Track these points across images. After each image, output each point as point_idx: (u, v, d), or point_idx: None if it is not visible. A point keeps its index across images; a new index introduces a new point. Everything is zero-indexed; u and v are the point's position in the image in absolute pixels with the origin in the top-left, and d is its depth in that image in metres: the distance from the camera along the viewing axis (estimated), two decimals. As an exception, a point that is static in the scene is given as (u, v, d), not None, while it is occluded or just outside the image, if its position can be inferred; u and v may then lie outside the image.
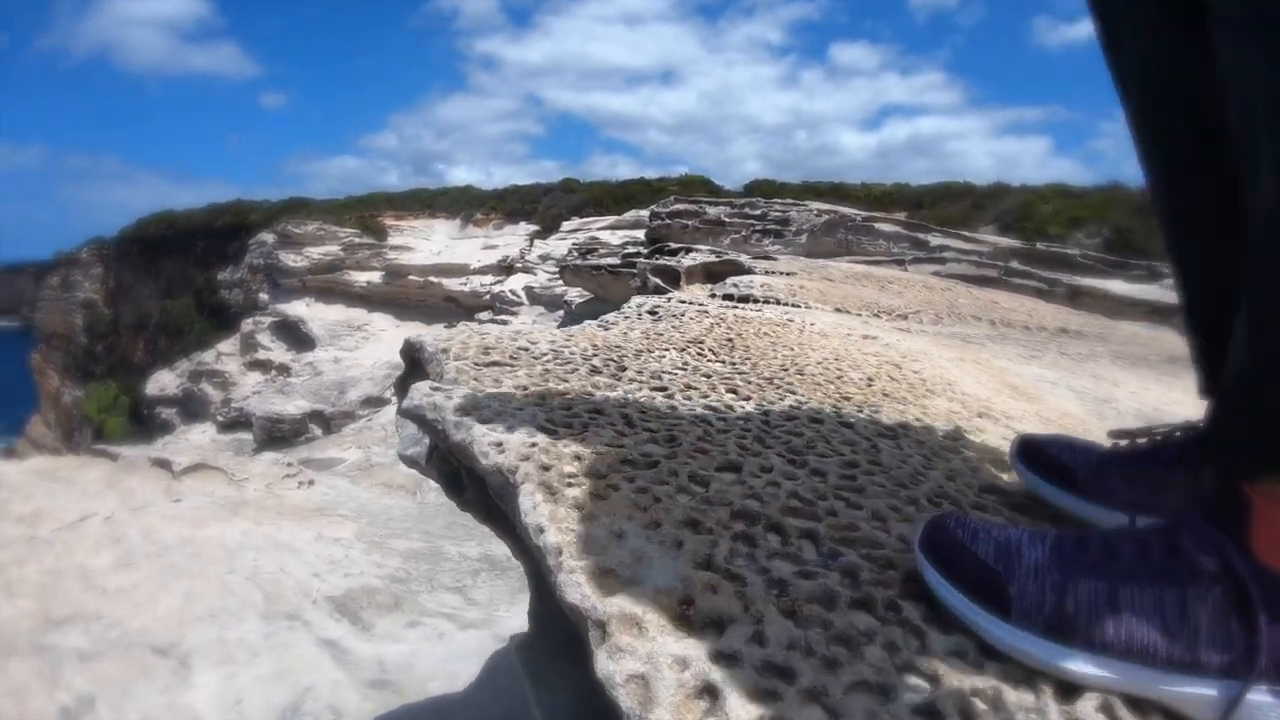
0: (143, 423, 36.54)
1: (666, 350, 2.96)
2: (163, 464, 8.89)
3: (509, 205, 35.36)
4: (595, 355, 2.65)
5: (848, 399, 2.46)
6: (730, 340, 3.39)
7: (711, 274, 9.22)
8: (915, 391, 2.76)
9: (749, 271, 8.64)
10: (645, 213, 26.63)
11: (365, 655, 5.46)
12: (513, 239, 31.76)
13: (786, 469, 1.69)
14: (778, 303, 6.80)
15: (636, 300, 4.32)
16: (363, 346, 28.29)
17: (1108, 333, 9.66)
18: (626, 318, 3.75)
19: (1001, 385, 3.53)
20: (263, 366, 31.96)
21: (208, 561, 6.27)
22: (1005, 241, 17.42)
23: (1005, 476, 1.85)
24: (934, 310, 7.83)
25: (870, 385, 2.73)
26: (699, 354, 3.00)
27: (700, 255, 9.87)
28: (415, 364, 2.67)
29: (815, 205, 21.52)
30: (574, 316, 21.73)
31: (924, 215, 21.89)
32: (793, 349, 3.29)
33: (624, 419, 1.90)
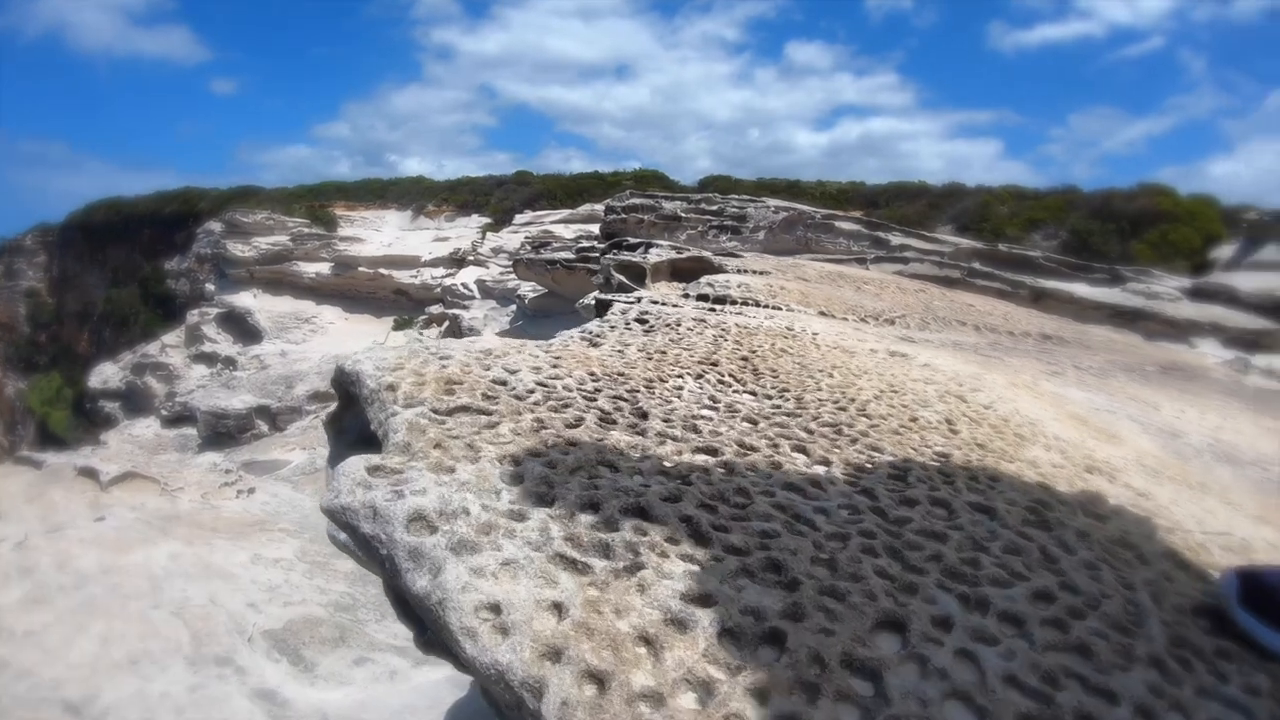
0: (87, 416, 35.16)
1: (681, 378, 2.31)
2: (89, 474, 8.06)
3: (461, 197, 34.39)
4: (598, 390, 2.00)
5: (945, 456, 1.85)
6: (746, 360, 2.74)
7: (677, 271, 8.57)
8: (1006, 438, 2.16)
9: (720, 270, 7.99)
10: (599, 206, 26.05)
11: (306, 706, 4.70)
12: (465, 231, 30.82)
13: (971, 620, 1.05)
14: (758, 305, 6.19)
15: (620, 306, 3.62)
16: (310, 339, 27.20)
17: (1083, 337, 9.24)
18: (614, 328, 3.06)
19: (1068, 417, 2.97)
20: (208, 359, 30.68)
21: (130, 595, 5.48)
22: (966, 242, 16.99)
23: (1199, 584, 1.40)
24: (916, 314, 7.27)
25: (955, 432, 2.12)
26: (720, 381, 2.36)
27: (665, 252, 9.18)
28: (349, 400, 1.99)
29: (772, 202, 21.06)
30: (527, 311, 21.06)
31: (880, 214, 21.44)
32: (831, 374, 2.66)
33: (686, 524, 1.23)
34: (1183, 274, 15.21)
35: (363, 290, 29.75)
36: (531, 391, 1.91)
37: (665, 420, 1.82)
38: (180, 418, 25.69)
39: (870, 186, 27.99)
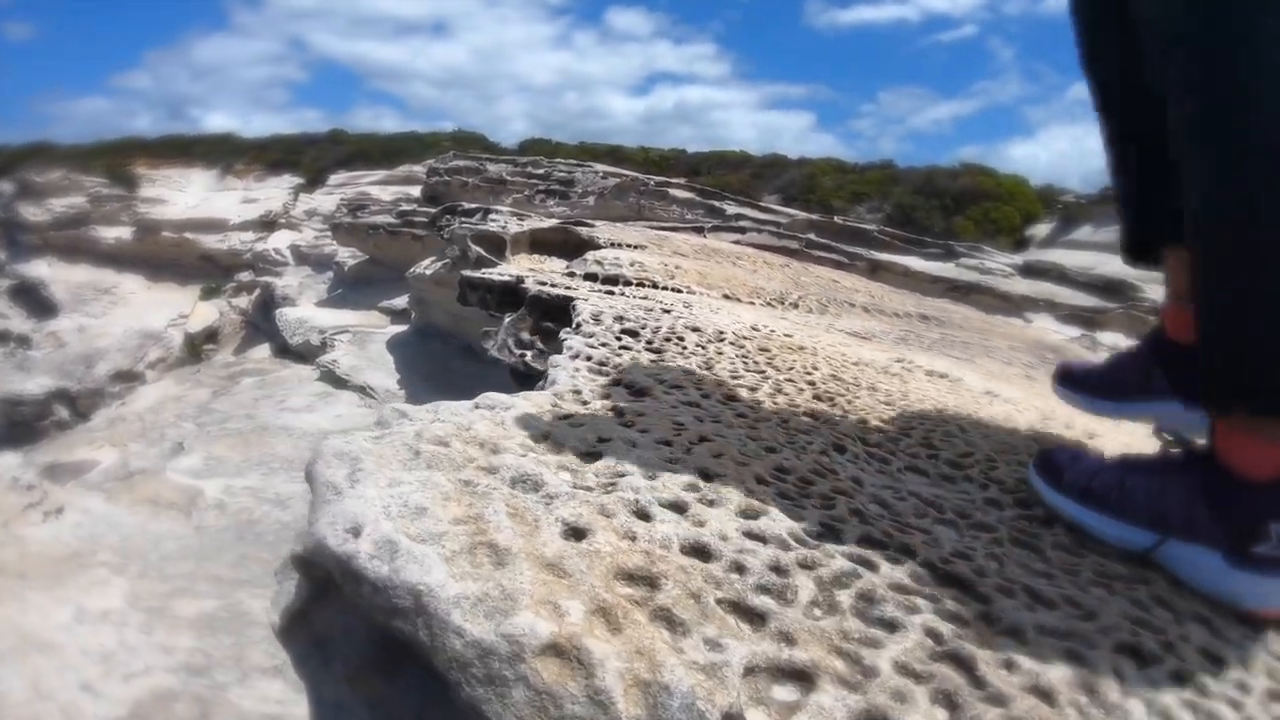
0: None
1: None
2: None
3: (271, 155, 31.31)
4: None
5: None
6: (830, 398, 1.95)
7: (538, 242, 7.68)
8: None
9: (592, 243, 7.16)
10: (418, 168, 24.81)
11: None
12: (275, 192, 28.29)
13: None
14: (655, 286, 5.41)
15: (589, 309, 2.72)
16: (111, 312, 24.33)
17: (949, 315, 8.91)
18: (618, 352, 2.18)
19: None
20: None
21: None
22: (802, 214, 16.77)
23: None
24: (811, 295, 6.64)
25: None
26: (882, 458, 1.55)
27: (529, 221, 8.26)
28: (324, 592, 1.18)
29: (600, 167, 20.39)
30: (346, 279, 19.57)
31: (703, 181, 20.99)
32: (963, 428, 1.90)
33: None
34: (1006, 250, 15.39)
35: (166, 256, 26.79)
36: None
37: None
38: (-38, 409, 22.74)
39: (692, 154, 27.60)
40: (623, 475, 1.27)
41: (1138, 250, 1.70)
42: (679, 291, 5.32)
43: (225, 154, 32.28)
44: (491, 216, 10.54)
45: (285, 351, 14.65)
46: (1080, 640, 1.07)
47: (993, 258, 14.53)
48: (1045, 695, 0.97)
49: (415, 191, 22.10)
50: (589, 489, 1.22)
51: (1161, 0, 1.17)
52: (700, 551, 1.11)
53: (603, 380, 1.82)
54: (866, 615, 1.05)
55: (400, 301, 15.18)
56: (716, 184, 20.92)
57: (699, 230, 15.13)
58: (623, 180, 18.40)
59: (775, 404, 1.86)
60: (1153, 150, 1.44)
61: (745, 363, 2.23)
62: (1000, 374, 4.15)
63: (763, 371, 2.16)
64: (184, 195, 28.64)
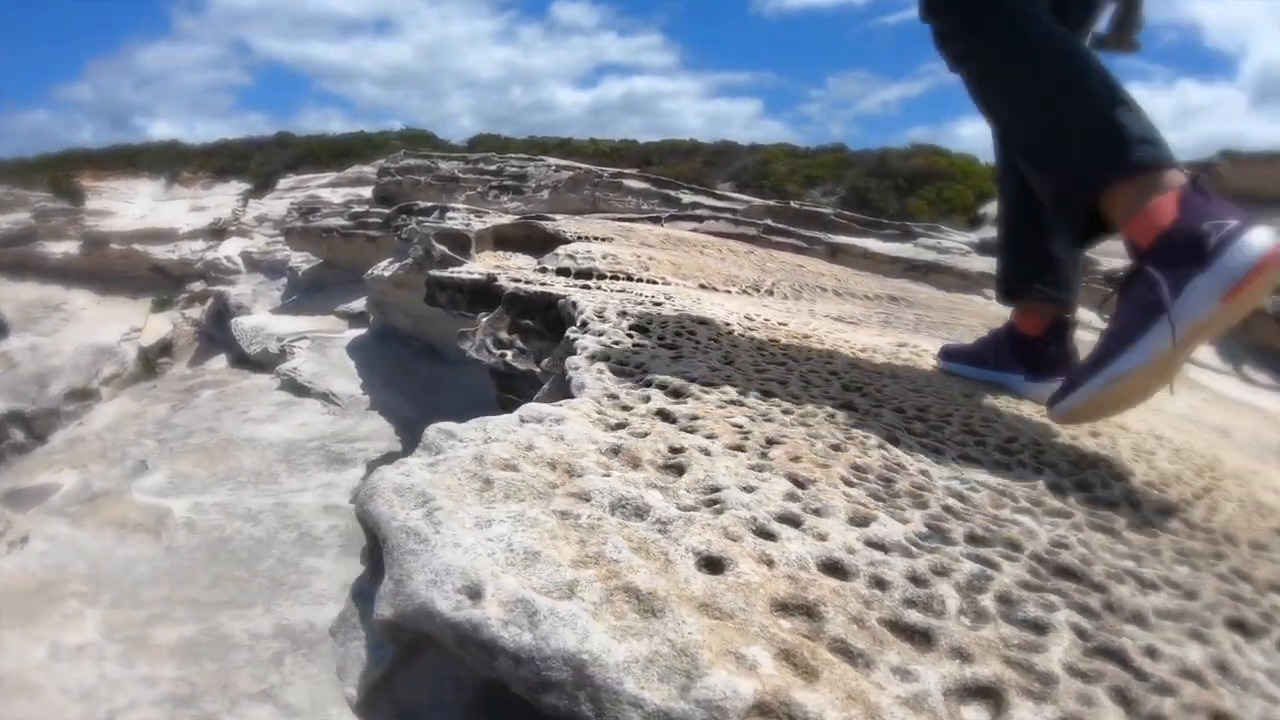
0: None
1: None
2: None
3: (219, 162, 30.61)
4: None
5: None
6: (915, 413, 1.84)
7: (501, 239, 7.51)
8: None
9: (559, 236, 7.01)
10: (368, 168, 24.43)
11: None
12: (224, 199, 27.61)
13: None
14: (629, 278, 5.30)
15: (591, 306, 2.55)
16: (62, 330, 23.58)
17: (913, 295, 8.88)
18: (634, 350, 2.04)
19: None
20: (-53, 361, 26.54)
21: None
22: (758, 200, 16.67)
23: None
24: (784, 281, 6.55)
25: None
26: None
27: (492, 218, 8.09)
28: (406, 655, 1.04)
29: (552, 160, 20.16)
30: (301, 284, 19.19)
31: (655, 171, 20.86)
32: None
33: None
34: (961, 228, 15.39)
35: (116, 270, 26.06)
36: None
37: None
38: (-87, 437, 21.97)
39: (644, 144, 27.41)
40: (719, 489, 1.15)
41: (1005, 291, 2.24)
42: (654, 283, 5.20)
43: (171, 162, 31.55)
44: (449, 215, 10.35)
45: (243, 361, 14.32)
46: (1196, 620, 1.07)
47: (950, 236, 14.51)
48: (1196, 678, 0.95)
49: (366, 192, 21.76)
50: (692, 508, 1.09)
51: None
52: (836, 569, 1.01)
53: (631, 382, 1.69)
54: (1013, 618, 0.99)
55: (358, 304, 14.90)
56: (669, 173, 20.79)
57: (656, 220, 14.98)
58: (576, 173, 18.21)
59: (812, 396, 1.75)
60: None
61: (763, 355, 2.11)
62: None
63: (784, 364, 2.05)
64: (131, 206, 27.96)
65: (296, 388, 11.13)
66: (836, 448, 1.41)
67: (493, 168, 19.81)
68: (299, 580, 5.96)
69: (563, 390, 2.02)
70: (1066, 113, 1.58)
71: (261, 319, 16.46)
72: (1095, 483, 1.50)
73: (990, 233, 15.18)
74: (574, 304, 2.53)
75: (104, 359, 21.31)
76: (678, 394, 1.61)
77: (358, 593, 1.03)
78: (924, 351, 2.69)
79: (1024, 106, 1.69)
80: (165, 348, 20.85)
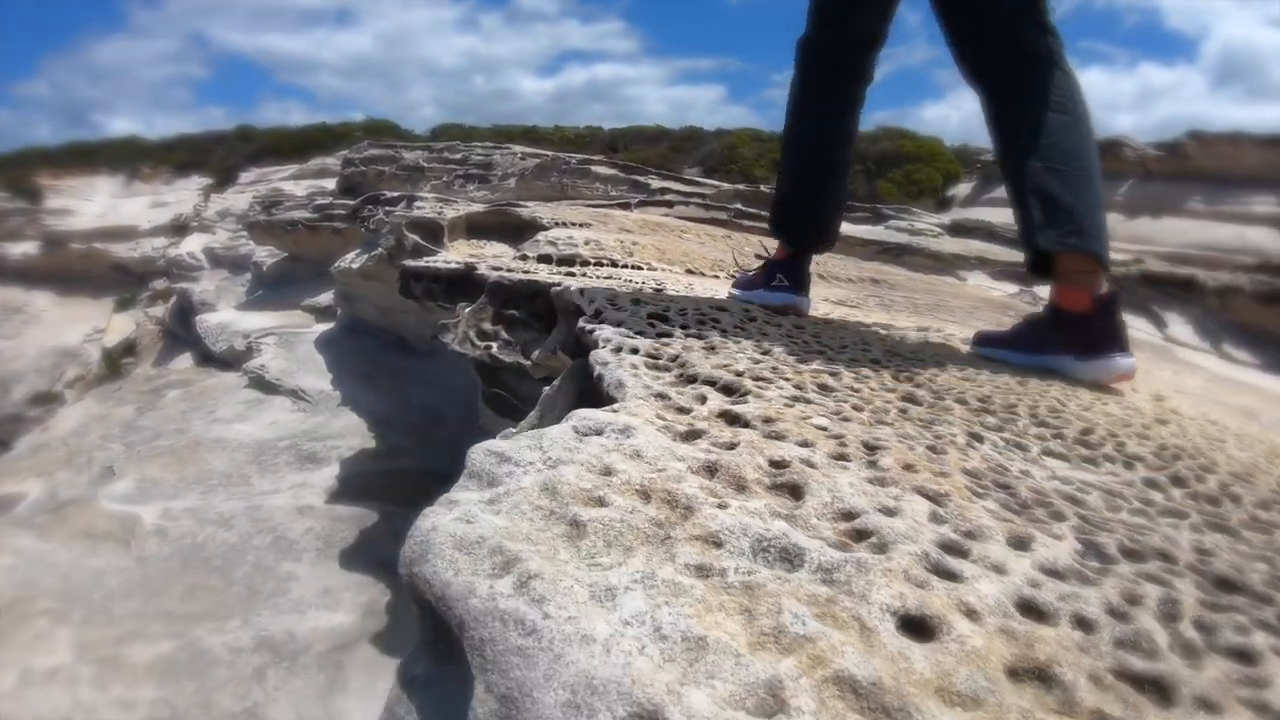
0: None
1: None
2: None
3: (179, 157, 29.89)
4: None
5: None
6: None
7: (474, 226, 7.26)
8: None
9: (535, 223, 6.76)
10: (331, 160, 24.12)
11: None
12: (185, 194, 26.96)
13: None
14: (614, 264, 5.08)
15: (602, 293, 2.29)
16: (23, 333, 22.82)
17: (888, 276, 8.76)
18: (661, 341, 1.81)
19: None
20: (-93, 370, 25.65)
21: None
22: (727, 185, 16.47)
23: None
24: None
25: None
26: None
27: (462, 206, 7.82)
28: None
29: (518, 148, 19.87)
30: (266, 279, 18.77)
31: (622, 157, 20.62)
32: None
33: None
34: (929, 210, 15.27)
35: (77, 269, 25.32)
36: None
37: None
38: None
39: (609, 130, 27.12)
40: (856, 515, 0.93)
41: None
42: (639, 269, 4.98)
43: (131, 158, 30.81)
44: (417, 204, 10.08)
45: (209, 359, 13.95)
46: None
47: (921, 219, 14.36)
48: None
49: (330, 184, 21.40)
50: (845, 546, 0.86)
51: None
52: (1034, 611, 0.81)
53: (671, 377, 1.46)
54: (1218, 648, 0.81)
55: (324, 298, 14.57)
56: (635, 159, 20.54)
57: (626, 206, 14.73)
58: (543, 160, 17.93)
59: (872, 390, 1.54)
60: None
61: (795, 344, 1.89)
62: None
63: (821, 352, 1.83)
64: (91, 204, 27.24)
65: (265, 385, 10.82)
66: (934, 450, 1.21)
67: (458, 156, 19.53)
68: (276, 587, 5.70)
69: (581, 388, 1.79)
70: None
71: (226, 316, 16.09)
72: (1188, 476, 1.36)
73: (964, 214, 15.09)
74: (581, 290, 2.29)
75: (67, 361, 20.77)
76: (731, 391, 1.39)
77: (409, 680, 0.76)
78: (950, 335, 2.50)
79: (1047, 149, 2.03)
80: (129, 347, 20.37)
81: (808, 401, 1.37)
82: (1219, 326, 7.79)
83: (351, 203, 13.95)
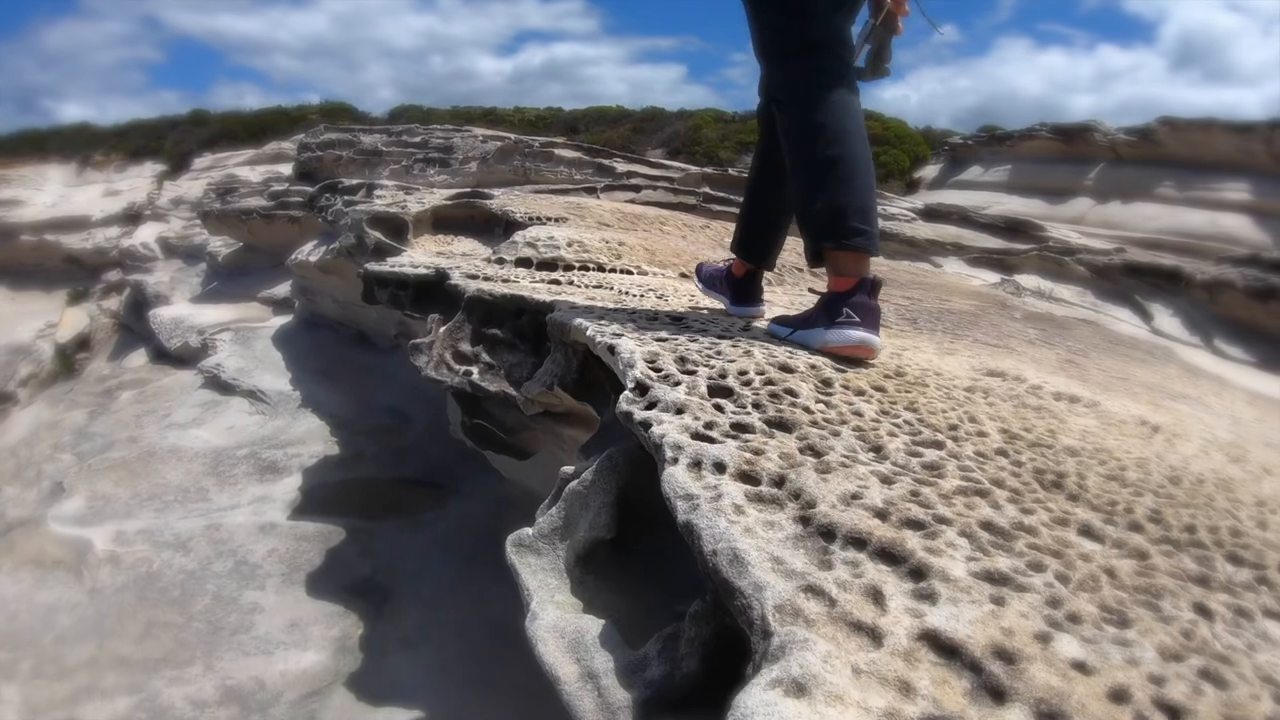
0: None
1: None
2: None
3: (132, 143, 28.78)
4: None
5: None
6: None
7: (441, 220, 6.75)
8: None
9: (508, 217, 6.27)
10: (287, 144, 23.41)
11: None
12: (138, 182, 25.86)
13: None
14: (602, 269, 4.62)
15: (641, 363, 1.83)
16: None
17: (892, 274, 8.35)
18: (731, 434, 1.38)
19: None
20: None
21: None
22: (694, 168, 15.99)
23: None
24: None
25: None
26: None
27: (428, 197, 7.30)
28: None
29: (479, 131, 19.25)
30: (221, 270, 18.06)
31: (584, 139, 20.09)
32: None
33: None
34: (898, 193, 14.88)
35: (27, 262, 24.19)
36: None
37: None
38: None
39: (569, 112, 26.49)
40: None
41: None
42: (630, 273, 4.53)
43: (83, 145, 29.64)
44: (377, 193, 9.57)
45: (163, 356, 13.31)
46: None
47: (893, 203, 13.95)
48: None
49: (286, 169, 20.70)
50: None
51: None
52: None
53: (790, 525, 1.01)
54: None
55: (281, 290, 13.98)
56: (598, 141, 20.03)
57: (592, 191, 14.25)
58: (505, 143, 17.35)
59: (1044, 525, 1.09)
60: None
61: (898, 425, 1.45)
62: (1045, 362, 3.49)
63: (938, 443, 1.39)
64: (41, 194, 26.13)
65: (221, 385, 10.24)
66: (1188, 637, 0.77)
67: (417, 139, 18.93)
68: (240, 622, 5.20)
69: (621, 484, 1.33)
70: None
71: (181, 309, 15.43)
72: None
73: (934, 198, 14.74)
74: (611, 348, 1.83)
75: (19, 358, 19.83)
76: (891, 558, 0.93)
77: None
78: (1039, 388, 2.07)
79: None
80: (83, 342, 19.58)
81: (1006, 581, 0.92)
82: (1208, 320, 7.46)
83: (308, 190, 13.34)
